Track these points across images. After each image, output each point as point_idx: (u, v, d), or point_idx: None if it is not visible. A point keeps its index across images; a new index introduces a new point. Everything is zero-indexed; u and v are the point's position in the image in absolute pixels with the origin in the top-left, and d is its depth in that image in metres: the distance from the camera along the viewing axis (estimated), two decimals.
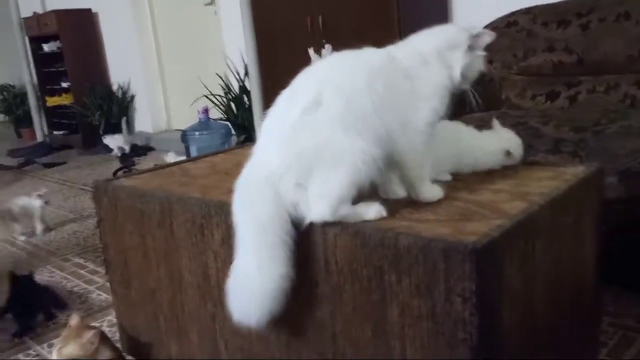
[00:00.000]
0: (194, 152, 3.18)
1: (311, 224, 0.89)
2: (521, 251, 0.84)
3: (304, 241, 0.90)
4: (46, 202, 2.66)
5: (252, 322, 0.89)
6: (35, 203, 2.61)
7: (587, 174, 1.04)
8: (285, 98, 0.93)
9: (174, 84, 5.03)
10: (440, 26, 1.03)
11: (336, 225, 0.88)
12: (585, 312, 1.10)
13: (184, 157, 4.16)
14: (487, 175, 1.09)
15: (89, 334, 1.24)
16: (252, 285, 0.88)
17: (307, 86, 0.91)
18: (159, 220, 1.20)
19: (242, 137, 3.60)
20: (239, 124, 3.67)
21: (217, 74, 3.89)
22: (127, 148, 4.60)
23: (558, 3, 2.19)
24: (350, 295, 0.88)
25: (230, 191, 1.16)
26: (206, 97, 3.84)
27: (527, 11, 2.26)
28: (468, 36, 0.96)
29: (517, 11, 2.30)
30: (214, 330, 1.15)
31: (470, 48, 0.96)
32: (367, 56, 0.95)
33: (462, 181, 1.07)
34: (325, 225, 0.89)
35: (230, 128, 3.51)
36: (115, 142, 4.61)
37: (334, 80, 0.90)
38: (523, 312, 0.86)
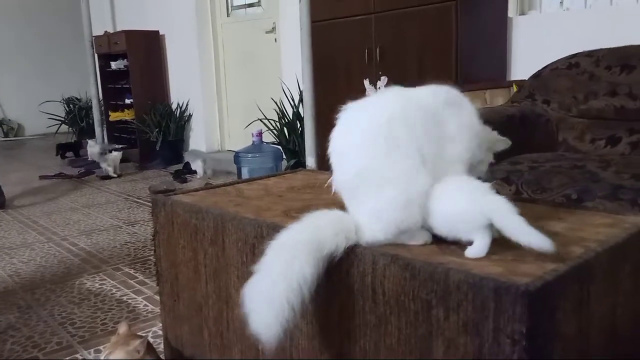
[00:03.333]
0: (245, 173, 3.25)
1: (362, 252, 0.90)
2: (576, 296, 0.82)
3: (353, 269, 0.91)
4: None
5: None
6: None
7: None
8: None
9: (230, 106, 5.18)
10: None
11: (386, 256, 0.89)
12: None
13: (202, 166, 4.25)
14: (541, 218, 1.07)
15: (136, 342, 1.28)
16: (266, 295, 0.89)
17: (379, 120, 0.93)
18: (212, 237, 1.23)
19: (292, 162, 3.66)
20: (289, 148, 3.74)
21: (272, 98, 4.00)
22: (209, 173, 4.38)
23: (622, 47, 2.16)
24: (395, 327, 0.88)
25: (283, 214, 1.20)
26: (260, 120, 3.94)
27: (590, 54, 2.23)
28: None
29: (579, 53, 2.27)
30: (256, 350, 1.16)
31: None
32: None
33: None
34: (376, 254, 0.90)
35: (281, 152, 3.58)
36: (200, 165, 4.35)
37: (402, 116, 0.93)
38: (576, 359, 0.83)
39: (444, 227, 0.91)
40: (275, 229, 1.08)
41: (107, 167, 4.67)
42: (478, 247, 0.87)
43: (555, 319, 0.78)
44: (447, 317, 0.81)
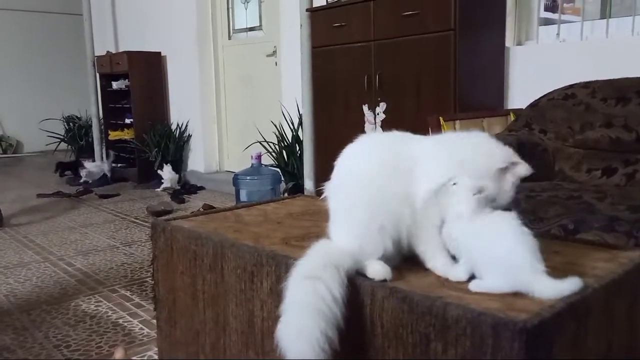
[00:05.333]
0: (243, 196, 3.27)
1: (361, 284, 0.91)
2: (572, 333, 0.83)
3: (352, 300, 0.92)
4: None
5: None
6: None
7: None
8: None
9: (229, 127, 5.21)
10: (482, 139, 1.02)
11: (385, 288, 0.90)
12: None
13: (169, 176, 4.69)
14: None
15: None
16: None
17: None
18: (211, 264, 1.24)
19: (290, 184, 3.68)
20: (288, 171, 3.76)
21: (272, 121, 4.03)
22: (175, 185, 4.84)
23: (618, 79, 2.19)
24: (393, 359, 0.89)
25: (282, 241, 1.21)
26: (260, 143, 3.97)
27: (586, 85, 2.27)
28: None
29: (575, 84, 2.31)
30: None
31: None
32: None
33: None
34: (375, 286, 0.91)
35: (280, 175, 3.59)
36: (169, 175, 4.83)
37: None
38: None
39: (486, 267, 0.88)
40: (274, 257, 1.09)
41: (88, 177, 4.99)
42: (486, 284, 0.87)
43: (553, 354, 0.79)
44: (445, 351, 0.82)
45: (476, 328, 0.78)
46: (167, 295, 1.41)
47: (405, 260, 0.99)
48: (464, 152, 0.98)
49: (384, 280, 0.92)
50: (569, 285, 0.84)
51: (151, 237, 1.43)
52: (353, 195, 0.99)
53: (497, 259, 0.86)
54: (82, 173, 5.23)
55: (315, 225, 1.33)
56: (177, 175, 4.92)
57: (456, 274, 0.92)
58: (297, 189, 3.58)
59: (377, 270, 0.94)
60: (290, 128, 3.89)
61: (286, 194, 3.54)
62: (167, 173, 4.79)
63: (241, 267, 1.16)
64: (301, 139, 3.58)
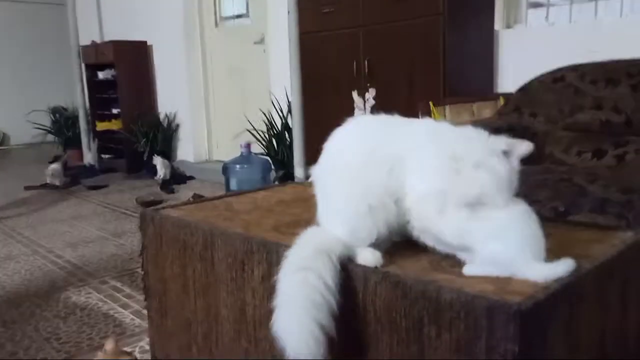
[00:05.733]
0: (233, 184, 3.24)
1: (353, 269, 0.90)
2: (566, 314, 0.82)
3: (344, 286, 0.91)
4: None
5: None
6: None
7: (635, 240, 1.01)
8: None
9: (218, 116, 5.17)
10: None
11: (377, 273, 0.89)
12: None
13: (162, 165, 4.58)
14: None
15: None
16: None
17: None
18: (201, 253, 1.22)
19: (281, 172, 3.66)
20: (278, 159, 3.74)
21: (261, 109, 4.00)
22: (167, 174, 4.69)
23: (607, 62, 2.19)
24: (387, 345, 0.88)
25: (272, 229, 1.19)
26: (249, 131, 3.94)
27: (575, 68, 2.26)
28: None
29: (564, 67, 2.30)
30: None
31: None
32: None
33: None
34: (367, 271, 0.90)
35: (270, 163, 3.57)
36: (162, 164, 4.65)
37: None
38: None
39: (490, 258, 0.85)
40: (265, 245, 1.07)
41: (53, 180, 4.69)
42: (480, 269, 0.86)
43: (547, 337, 0.79)
44: (439, 336, 0.81)
45: (470, 311, 0.77)
46: (158, 286, 1.39)
47: (397, 244, 0.98)
48: (459, 146, 0.92)
49: (375, 267, 0.91)
50: (562, 267, 0.84)
51: (140, 227, 1.41)
52: (341, 180, 0.98)
53: (495, 254, 0.85)
54: (47, 172, 4.84)
55: (305, 211, 1.31)
56: (170, 164, 4.81)
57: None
58: (287, 177, 3.56)
59: (367, 257, 0.92)
60: (280, 116, 3.87)
61: (277, 182, 3.52)
62: (159, 162, 4.67)
63: (232, 255, 1.14)
64: (291, 126, 3.55)
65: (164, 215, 1.35)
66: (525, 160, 1.40)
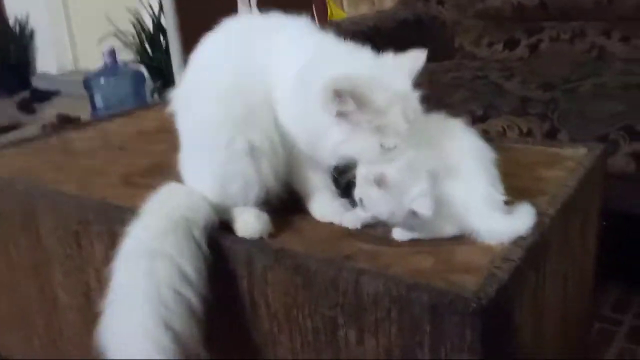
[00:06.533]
0: (99, 102, 2.74)
1: (231, 246, 0.61)
2: (532, 285, 0.59)
3: (221, 270, 0.62)
4: None
5: None
6: None
7: (592, 159, 0.80)
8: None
9: (80, 18, 4.43)
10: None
11: (267, 254, 0.60)
12: (583, 317, 0.89)
13: None
14: None
15: None
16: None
17: None
18: (23, 223, 0.87)
19: (159, 83, 3.18)
20: (154, 67, 3.23)
21: (127, 7, 3.39)
22: None
23: None
24: (288, 349, 0.62)
25: (120, 180, 0.86)
26: (116, 36, 3.36)
27: None
28: None
29: None
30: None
31: None
32: None
33: None
34: (252, 250, 0.61)
35: (143, 73, 3.07)
36: None
37: None
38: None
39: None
40: (105, 212, 0.75)
41: None
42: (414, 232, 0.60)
43: (513, 323, 0.56)
44: (361, 341, 0.55)
45: (405, 310, 0.51)
46: None
47: (294, 202, 0.69)
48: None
49: (260, 239, 0.62)
50: (524, 221, 0.59)
51: None
52: (208, 108, 0.66)
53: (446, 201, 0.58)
54: None
55: (173, 149, 0.98)
56: None
57: (352, 218, 0.64)
58: (167, 87, 3.10)
59: (249, 223, 0.63)
60: (150, 14, 3.30)
61: (156, 95, 3.06)
62: None
63: (61, 226, 0.80)
64: (165, 27, 3.03)
65: None
66: (435, 57, 1.08)
